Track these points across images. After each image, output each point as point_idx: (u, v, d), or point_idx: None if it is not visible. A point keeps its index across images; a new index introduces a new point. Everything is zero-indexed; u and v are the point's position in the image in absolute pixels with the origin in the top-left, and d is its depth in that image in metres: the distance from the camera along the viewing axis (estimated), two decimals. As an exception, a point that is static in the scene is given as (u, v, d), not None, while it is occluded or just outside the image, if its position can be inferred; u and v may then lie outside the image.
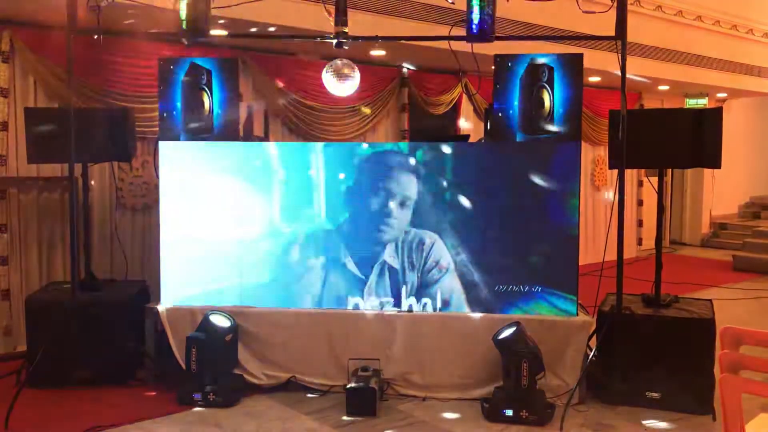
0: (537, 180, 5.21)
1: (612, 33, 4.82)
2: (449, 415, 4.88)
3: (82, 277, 5.56)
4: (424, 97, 8.74)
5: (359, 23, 5.78)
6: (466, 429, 4.69)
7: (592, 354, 5.25)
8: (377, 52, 7.53)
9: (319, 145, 5.55)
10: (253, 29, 5.95)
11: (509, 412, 4.70)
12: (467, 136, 6.40)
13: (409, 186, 5.30)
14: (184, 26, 4.66)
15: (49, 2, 5.17)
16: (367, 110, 7.09)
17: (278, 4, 5.74)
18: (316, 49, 7.49)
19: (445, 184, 5.29)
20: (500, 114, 5.30)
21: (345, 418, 4.79)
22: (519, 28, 7.29)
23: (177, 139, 5.49)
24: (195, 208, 5.43)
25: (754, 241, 11.51)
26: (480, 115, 9.06)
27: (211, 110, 5.44)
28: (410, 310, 5.29)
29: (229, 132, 5.51)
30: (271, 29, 6.00)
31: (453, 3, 5.03)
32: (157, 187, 5.64)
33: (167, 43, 6.40)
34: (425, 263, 5.30)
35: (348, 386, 4.92)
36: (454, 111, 9.13)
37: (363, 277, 5.33)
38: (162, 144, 5.47)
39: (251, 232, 5.40)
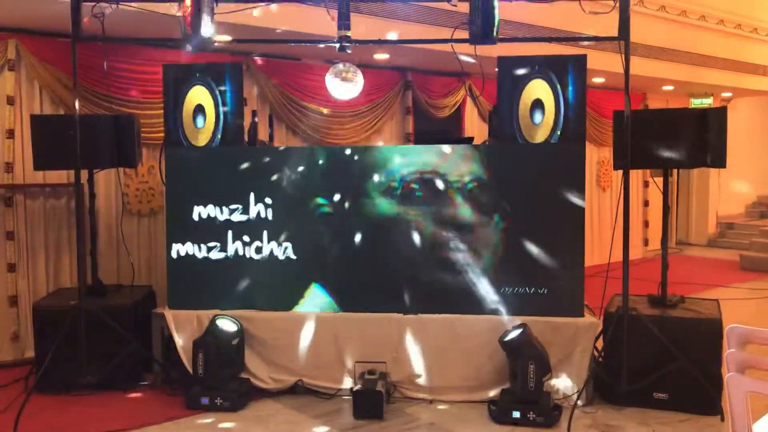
0: (541, 181, 5.20)
1: (615, 33, 4.82)
2: (456, 418, 4.88)
3: (89, 283, 5.59)
4: (428, 99, 8.75)
5: (362, 27, 5.80)
6: (473, 431, 4.68)
7: (598, 355, 5.24)
8: (381, 56, 7.54)
9: (320, 148, 5.56)
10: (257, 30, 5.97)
11: (516, 414, 4.70)
12: (471, 138, 6.40)
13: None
14: (187, 32, 4.67)
15: (54, 10, 5.21)
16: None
17: (282, 9, 5.75)
18: (320, 53, 7.51)
19: (450, 185, 5.28)
20: (504, 116, 5.32)
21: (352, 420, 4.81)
22: (522, 30, 7.29)
23: (182, 144, 5.52)
24: (202, 212, 5.44)
25: (761, 240, 11.47)
26: (484, 117, 9.06)
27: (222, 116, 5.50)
28: (416, 313, 5.29)
29: (234, 137, 5.55)
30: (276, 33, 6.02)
31: (455, 5, 5.03)
32: (162, 192, 5.66)
33: (171, 49, 6.43)
34: None
35: (355, 389, 4.92)
36: (459, 113, 9.13)
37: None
38: (168, 150, 5.50)
39: (258, 236, 5.41)
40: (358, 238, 5.35)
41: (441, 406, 5.08)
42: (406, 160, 5.32)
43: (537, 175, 5.21)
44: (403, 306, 5.31)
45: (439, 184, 5.28)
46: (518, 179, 5.24)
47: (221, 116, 5.48)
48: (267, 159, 5.41)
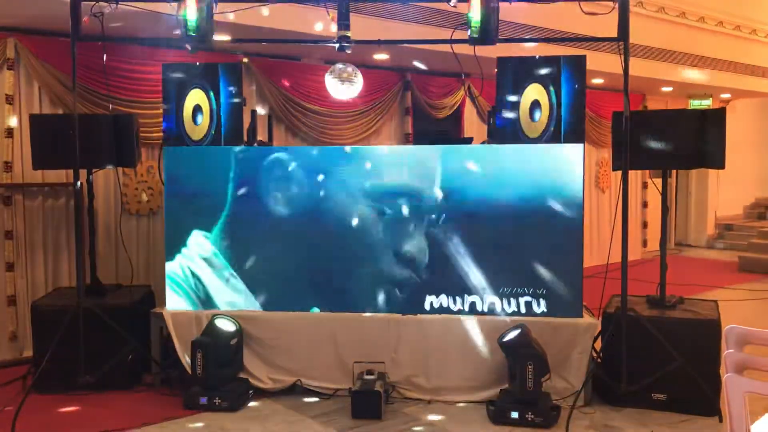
0: (540, 182, 5.20)
1: (615, 34, 4.83)
2: (455, 418, 4.88)
3: (87, 283, 5.58)
4: (427, 100, 8.75)
5: (362, 27, 5.80)
6: (472, 431, 4.70)
7: (597, 356, 5.24)
8: (380, 56, 7.54)
9: (322, 148, 5.56)
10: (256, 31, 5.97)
11: (515, 415, 4.70)
12: (470, 139, 6.41)
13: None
14: (187, 32, 4.68)
15: (53, 9, 5.20)
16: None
17: (281, 9, 5.75)
18: (320, 53, 7.51)
19: (449, 185, 5.29)
20: (503, 116, 5.33)
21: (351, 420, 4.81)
22: (522, 31, 7.30)
23: (182, 144, 5.53)
24: (200, 212, 5.44)
25: (760, 241, 11.48)
26: (483, 117, 9.06)
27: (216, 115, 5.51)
28: (414, 314, 5.29)
29: (233, 136, 5.56)
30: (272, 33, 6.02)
31: (455, 6, 5.04)
32: (161, 192, 5.66)
33: (171, 48, 6.43)
34: None
35: (353, 390, 4.92)
36: (458, 114, 9.14)
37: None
38: (167, 149, 5.50)
39: (256, 235, 5.41)
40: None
41: (439, 407, 5.07)
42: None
43: (535, 174, 5.21)
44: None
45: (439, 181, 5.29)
46: (516, 178, 5.24)
47: (214, 117, 5.53)
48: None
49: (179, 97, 5.56)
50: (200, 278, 5.44)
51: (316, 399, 5.20)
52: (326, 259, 5.38)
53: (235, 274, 5.41)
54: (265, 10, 5.47)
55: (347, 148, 5.51)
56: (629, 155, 4.85)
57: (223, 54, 6.83)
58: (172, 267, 5.46)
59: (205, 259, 5.44)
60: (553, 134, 5.29)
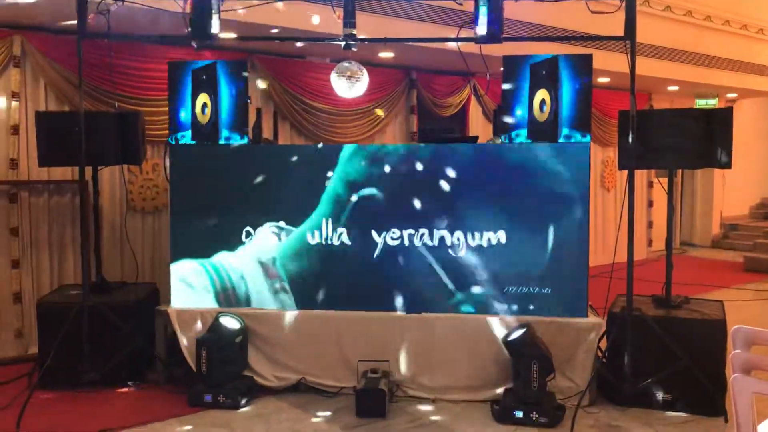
0: (546, 181, 5.19)
1: (621, 33, 4.81)
2: (459, 417, 4.88)
3: (92, 280, 5.59)
4: (433, 98, 8.74)
5: (368, 25, 5.79)
6: (476, 431, 4.68)
7: (602, 356, 5.23)
8: (386, 54, 7.53)
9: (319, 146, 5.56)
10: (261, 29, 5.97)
11: (519, 414, 4.70)
12: (476, 137, 6.40)
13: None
14: (192, 29, 4.68)
15: (59, 7, 5.21)
16: (380, 112, 7.30)
17: (287, 7, 5.75)
18: (325, 52, 7.51)
19: (454, 184, 5.28)
20: (508, 115, 5.32)
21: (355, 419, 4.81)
22: (528, 29, 7.28)
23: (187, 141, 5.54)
24: (205, 210, 5.44)
25: (765, 241, 11.44)
26: (488, 116, 9.05)
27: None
28: (419, 312, 5.29)
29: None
30: (276, 31, 6.01)
31: (461, 4, 5.03)
32: (167, 189, 5.66)
33: (176, 46, 6.43)
34: None
35: (358, 388, 4.92)
36: (463, 112, 9.12)
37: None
38: (172, 147, 5.50)
39: (258, 233, 5.42)
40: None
41: (444, 406, 5.07)
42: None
43: (541, 173, 5.20)
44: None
45: (444, 181, 5.29)
46: (522, 177, 5.22)
47: (212, 115, 5.51)
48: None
49: (185, 95, 5.55)
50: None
51: (320, 397, 5.20)
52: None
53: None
54: (272, 7, 5.47)
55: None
56: (635, 155, 4.84)
57: (229, 51, 6.82)
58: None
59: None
60: (557, 132, 5.26)
